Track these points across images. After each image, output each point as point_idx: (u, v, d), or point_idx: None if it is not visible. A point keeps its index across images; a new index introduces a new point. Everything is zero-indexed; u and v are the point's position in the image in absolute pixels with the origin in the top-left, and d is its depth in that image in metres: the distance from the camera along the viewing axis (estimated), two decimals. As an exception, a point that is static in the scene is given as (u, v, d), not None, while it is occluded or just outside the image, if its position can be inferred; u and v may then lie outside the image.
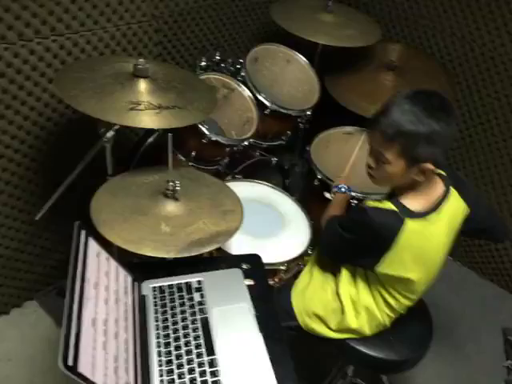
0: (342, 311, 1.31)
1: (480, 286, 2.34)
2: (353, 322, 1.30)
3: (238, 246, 1.41)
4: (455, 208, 1.21)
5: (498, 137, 2.10)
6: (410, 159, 1.08)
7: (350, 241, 1.20)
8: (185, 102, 1.29)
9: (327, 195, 1.54)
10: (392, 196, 1.22)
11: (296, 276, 1.52)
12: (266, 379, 0.92)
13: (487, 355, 1.98)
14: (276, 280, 1.47)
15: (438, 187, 1.19)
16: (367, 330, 1.32)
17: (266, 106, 1.77)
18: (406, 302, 1.29)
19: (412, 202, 1.13)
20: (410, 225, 1.10)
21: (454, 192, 1.20)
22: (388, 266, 1.17)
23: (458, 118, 1.11)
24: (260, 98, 1.77)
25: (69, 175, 1.48)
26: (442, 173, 1.21)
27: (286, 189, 2.12)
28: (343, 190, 1.53)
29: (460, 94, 2.15)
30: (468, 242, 2.38)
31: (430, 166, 1.08)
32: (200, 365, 0.92)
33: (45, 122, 1.56)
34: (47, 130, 1.58)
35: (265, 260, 1.37)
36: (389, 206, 1.13)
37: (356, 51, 1.95)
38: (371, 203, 1.16)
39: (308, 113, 1.88)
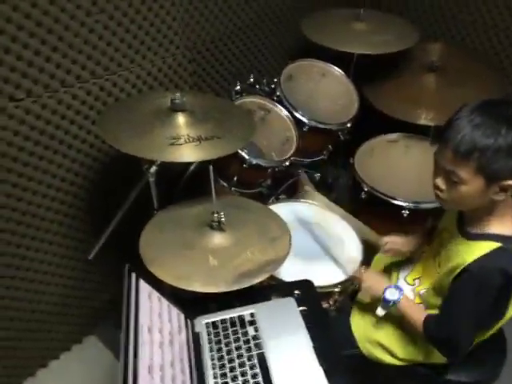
0: (412, 341, 1.22)
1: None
2: (428, 356, 1.21)
3: (288, 270, 1.36)
4: None
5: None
6: (490, 176, 0.96)
7: (472, 319, 1.06)
8: (223, 130, 1.28)
9: (381, 313, 1.22)
10: (461, 224, 1.12)
11: (353, 296, 1.46)
12: (331, 417, 0.87)
13: None
14: (331, 303, 1.41)
15: (509, 198, 1.07)
16: (442, 360, 1.21)
17: (304, 123, 1.74)
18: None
19: (502, 227, 1.03)
20: None
21: None
22: None
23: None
24: (297, 115, 1.74)
25: (117, 212, 1.52)
26: None
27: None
28: (397, 298, 1.18)
29: (510, 88, 2.02)
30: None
31: None
32: (261, 405, 0.90)
33: (91, 163, 1.61)
34: (94, 170, 1.62)
35: (318, 283, 1.33)
36: (487, 245, 1.01)
37: (394, 56, 1.88)
38: (467, 257, 1.02)
39: (348, 125, 1.83)
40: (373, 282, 1.27)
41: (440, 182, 1.04)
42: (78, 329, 1.87)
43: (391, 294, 1.18)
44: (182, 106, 1.28)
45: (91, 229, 1.69)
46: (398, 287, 1.20)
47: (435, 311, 1.17)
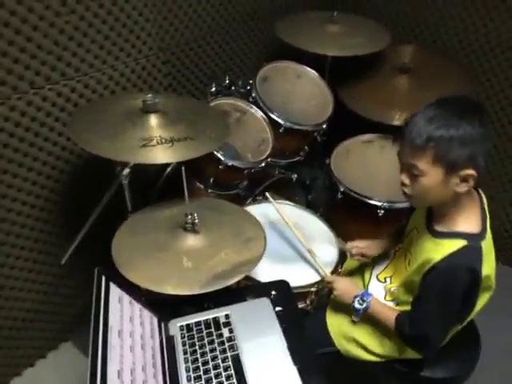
0: (387, 337, 1.23)
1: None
2: (404, 351, 1.22)
3: (264, 271, 1.37)
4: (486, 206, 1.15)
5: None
6: (447, 165, 0.99)
7: (443, 316, 1.08)
8: (197, 131, 1.28)
9: (355, 319, 1.26)
10: (429, 222, 1.13)
11: (329, 296, 1.47)
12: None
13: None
14: (308, 302, 1.42)
15: (475, 195, 1.11)
16: (417, 355, 1.23)
17: (279, 125, 1.74)
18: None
19: (469, 225, 1.05)
20: (485, 247, 1.04)
21: (482, 194, 1.15)
22: (481, 296, 1.10)
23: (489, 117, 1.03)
24: (273, 116, 1.74)
25: (90, 215, 1.50)
26: None
27: (310, 204, 2.09)
28: (366, 305, 1.21)
29: (480, 88, 2.08)
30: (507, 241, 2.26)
31: (471, 171, 0.99)
32: (234, 406, 0.89)
33: (63, 165, 1.58)
34: (66, 173, 1.59)
35: (294, 283, 1.33)
36: (455, 244, 1.03)
37: (367, 58, 1.91)
38: (435, 255, 1.04)
39: (323, 126, 1.85)
40: (342, 290, 1.28)
41: (404, 177, 1.07)
42: (54, 335, 1.83)
43: (359, 303, 1.21)
44: (154, 106, 1.27)
45: (64, 233, 1.66)
46: (365, 295, 1.22)
47: (407, 307, 1.18)
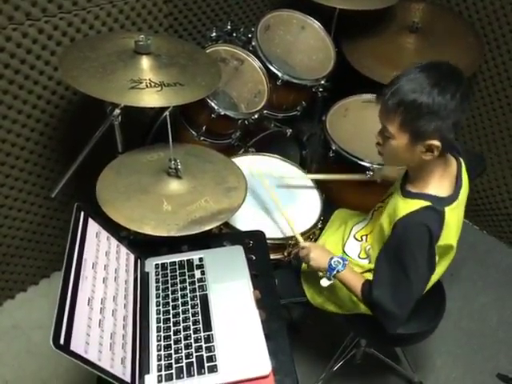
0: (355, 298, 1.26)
1: (507, 255, 2.27)
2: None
3: (246, 220, 1.41)
4: (466, 176, 1.16)
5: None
6: (413, 133, 1.01)
7: (410, 276, 1.06)
8: (187, 78, 1.27)
9: (325, 284, 1.21)
10: (404, 183, 1.16)
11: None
12: (259, 354, 0.94)
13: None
14: (285, 254, 1.47)
15: (453, 162, 1.14)
16: None
17: (277, 77, 1.72)
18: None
19: (439, 189, 1.07)
20: (449, 212, 1.06)
21: (463, 162, 1.16)
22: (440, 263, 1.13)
23: (469, 91, 1.00)
24: (271, 68, 1.71)
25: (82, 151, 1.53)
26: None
27: (304, 160, 2.10)
28: (341, 267, 1.17)
29: (489, 55, 2.02)
30: (495, 212, 2.29)
31: (436, 142, 1.00)
32: (196, 340, 0.96)
33: (58, 100, 1.59)
34: (61, 108, 1.61)
35: (273, 235, 1.39)
36: (419, 203, 1.06)
37: (376, 13, 1.85)
38: (399, 213, 1.07)
39: (322, 82, 1.82)
40: (318, 257, 1.23)
41: (378, 136, 1.11)
42: (46, 264, 1.92)
43: (335, 264, 1.18)
44: (147, 48, 1.26)
45: (57, 167, 1.70)
46: (342, 258, 1.19)
47: None
